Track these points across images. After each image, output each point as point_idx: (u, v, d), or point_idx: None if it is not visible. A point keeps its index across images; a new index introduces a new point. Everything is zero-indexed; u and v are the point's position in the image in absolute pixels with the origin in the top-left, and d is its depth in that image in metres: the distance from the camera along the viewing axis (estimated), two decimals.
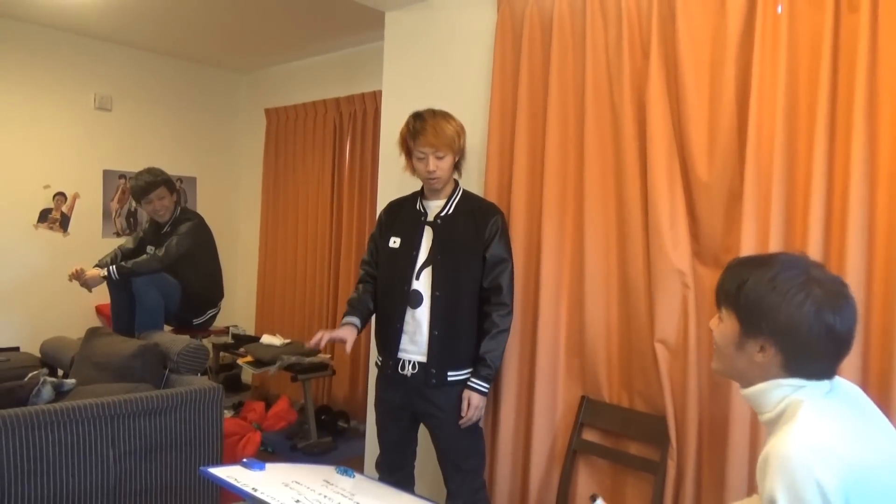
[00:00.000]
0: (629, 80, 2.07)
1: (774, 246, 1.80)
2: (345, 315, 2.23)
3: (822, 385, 1.17)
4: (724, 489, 1.83)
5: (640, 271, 2.05)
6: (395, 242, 2.19)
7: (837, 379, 1.21)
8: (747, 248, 1.83)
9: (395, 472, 2.22)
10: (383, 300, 2.21)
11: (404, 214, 2.22)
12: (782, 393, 1.17)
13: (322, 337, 2.09)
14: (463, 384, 2.08)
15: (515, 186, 2.33)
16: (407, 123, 2.14)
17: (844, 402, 1.17)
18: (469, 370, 2.10)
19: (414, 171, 2.15)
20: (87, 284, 3.17)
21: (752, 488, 1.79)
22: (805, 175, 1.76)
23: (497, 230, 2.12)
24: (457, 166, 2.18)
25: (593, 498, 1.36)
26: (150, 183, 3.36)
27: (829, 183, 1.73)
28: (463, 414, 2.05)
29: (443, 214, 2.14)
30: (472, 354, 2.10)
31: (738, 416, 1.82)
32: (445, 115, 2.13)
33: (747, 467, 1.81)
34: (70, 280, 3.20)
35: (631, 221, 2.07)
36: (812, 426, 1.08)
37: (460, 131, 2.13)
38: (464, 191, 2.21)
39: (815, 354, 1.15)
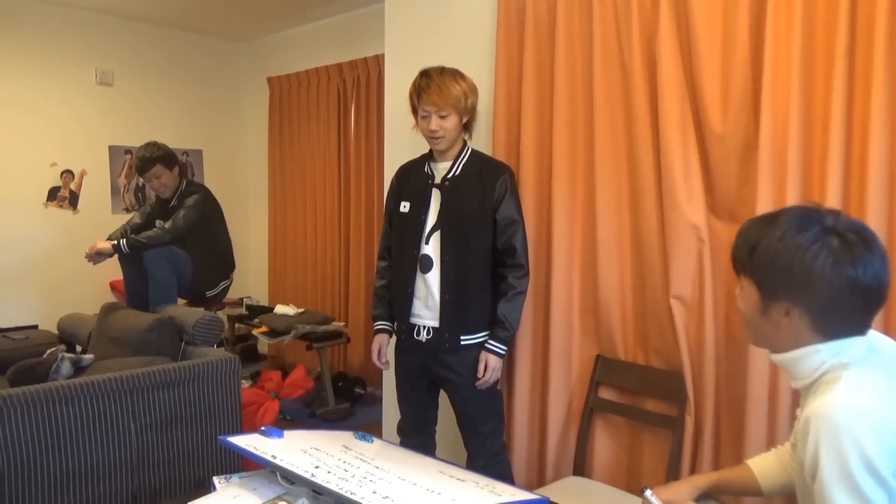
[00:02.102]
0: (638, 30, 2.01)
1: (791, 197, 1.76)
2: (374, 319, 2.33)
3: (859, 344, 1.13)
4: (743, 443, 1.83)
5: (654, 227, 2.02)
6: (405, 207, 2.16)
7: (874, 335, 1.17)
8: (763, 200, 1.79)
9: (417, 436, 2.23)
10: (395, 266, 2.20)
11: (413, 178, 2.19)
12: (820, 359, 1.13)
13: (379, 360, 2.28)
14: (478, 347, 2.07)
15: (524, 145, 2.28)
16: (414, 80, 2.09)
17: (888, 364, 1.13)
18: (483, 333, 2.09)
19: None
20: (99, 255, 3.18)
21: (770, 442, 1.78)
22: (823, 123, 1.71)
23: (506, 190, 2.07)
24: (466, 127, 2.12)
25: (644, 489, 1.35)
26: (145, 160, 3.35)
27: (847, 131, 1.68)
28: (479, 376, 2.05)
29: (449, 177, 2.10)
30: (486, 317, 2.09)
31: (755, 371, 1.80)
32: (455, 74, 2.06)
33: (766, 421, 1.80)
34: (88, 260, 3.23)
35: (643, 176, 2.03)
36: (857, 388, 1.06)
37: (468, 91, 2.06)
38: (472, 151, 2.15)
39: (842, 311, 1.10)
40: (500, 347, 2.06)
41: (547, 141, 2.25)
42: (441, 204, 2.09)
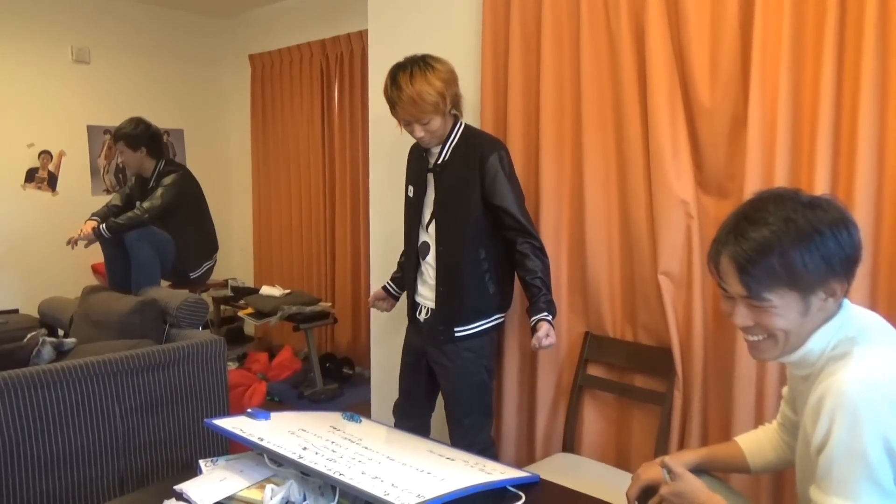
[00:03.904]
0: (626, 2, 1.97)
1: (780, 172, 1.75)
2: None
3: (858, 315, 1.15)
4: (731, 418, 1.83)
5: (642, 203, 2.00)
6: (410, 191, 2.14)
7: (857, 308, 1.17)
8: (752, 175, 1.78)
9: (412, 418, 2.21)
10: (405, 246, 2.20)
11: (416, 160, 2.15)
12: (828, 338, 1.13)
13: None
14: (471, 338, 2.04)
15: (511, 121, 2.25)
16: (385, 86, 1.96)
17: (889, 334, 1.14)
18: (480, 323, 2.04)
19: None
20: (84, 239, 3.14)
21: (758, 417, 1.79)
22: (812, 98, 1.69)
23: (496, 171, 1.96)
24: (454, 109, 2.02)
25: (663, 465, 1.34)
26: (114, 134, 3.35)
27: (837, 105, 1.66)
28: (538, 343, 1.96)
29: (440, 162, 2.04)
30: (485, 306, 2.04)
31: (744, 347, 1.79)
32: (426, 73, 1.90)
33: (753, 396, 1.81)
34: (68, 243, 3.18)
35: (631, 152, 2.01)
36: (870, 362, 1.06)
37: (445, 88, 1.91)
38: (464, 130, 2.04)
39: (855, 268, 1.12)
40: (547, 316, 1.96)
41: (534, 116, 2.22)
42: (435, 191, 2.05)
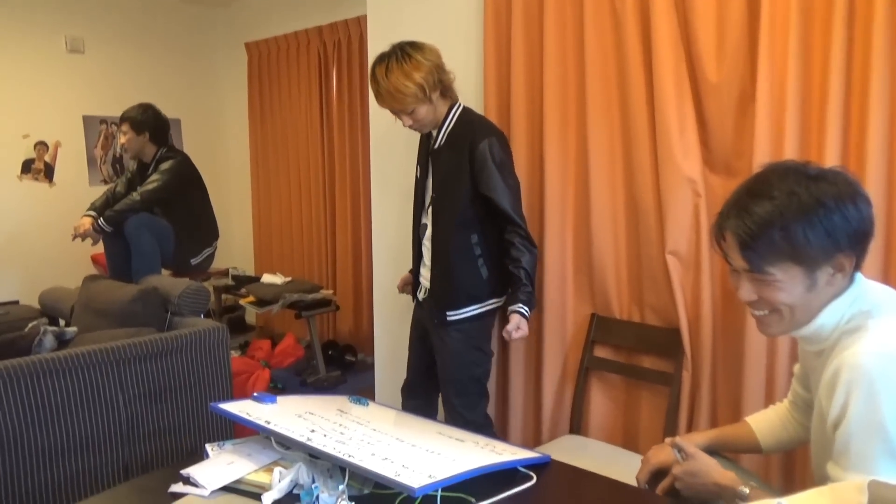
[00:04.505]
0: None
1: (789, 148, 1.72)
2: None
3: (872, 289, 1.13)
4: (741, 398, 1.82)
5: (648, 182, 1.98)
6: (417, 171, 2.14)
7: (870, 282, 1.15)
8: (760, 152, 1.75)
9: (418, 397, 2.24)
10: (413, 230, 2.20)
11: (424, 140, 2.14)
12: (841, 312, 1.11)
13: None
14: (463, 322, 2.03)
15: (514, 102, 2.22)
16: (369, 78, 1.98)
17: None
18: (472, 307, 2.03)
19: None
20: (88, 236, 3.12)
21: (768, 398, 1.78)
22: (822, 72, 1.66)
23: (485, 160, 1.93)
24: (444, 94, 1.99)
25: (673, 444, 1.33)
26: (123, 114, 3.30)
27: (847, 80, 1.63)
28: (506, 334, 1.97)
29: (436, 146, 2.04)
30: (477, 291, 2.03)
31: (753, 326, 1.76)
32: (402, 66, 1.88)
33: (763, 376, 1.79)
34: (74, 239, 3.18)
35: (637, 130, 1.98)
36: (887, 335, 1.03)
37: (425, 78, 1.89)
38: (460, 114, 2.02)
39: (868, 242, 1.09)
40: (525, 309, 1.96)
41: (538, 95, 2.18)
42: (432, 173, 2.05)
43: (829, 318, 1.11)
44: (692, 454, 1.28)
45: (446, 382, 2.10)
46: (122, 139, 3.31)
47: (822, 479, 1.13)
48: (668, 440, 1.36)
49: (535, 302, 2.01)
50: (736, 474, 1.24)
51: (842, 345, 1.08)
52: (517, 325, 1.95)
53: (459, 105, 2.05)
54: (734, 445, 1.44)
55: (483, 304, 2.05)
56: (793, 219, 1.05)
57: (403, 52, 1.92)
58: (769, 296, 1.11)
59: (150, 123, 3.33)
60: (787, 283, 1.09)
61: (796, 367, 1.39)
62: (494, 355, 2.31)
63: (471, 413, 2.08)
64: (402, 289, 2.39)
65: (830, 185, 1.06)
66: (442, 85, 1.97)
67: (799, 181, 1.07)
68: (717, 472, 1.23)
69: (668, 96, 1.89)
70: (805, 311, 1.12)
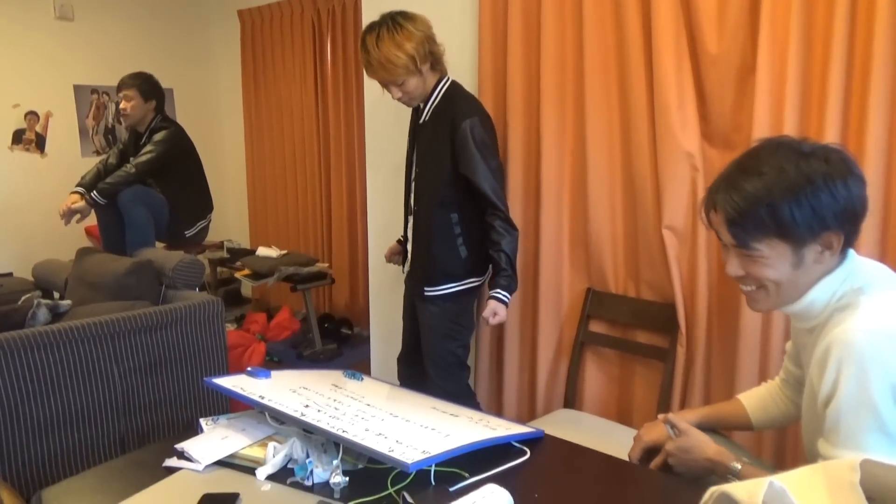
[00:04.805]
0: None
1: (789, 122, 1.70)
2: None
3: (863, 266, 1.12)
4: (735, 374, 1.82)
5: (646, 156, 1.96)
6: (408, 144, 2.12)
7: (862, 259, 1.14)
8: (760, 125, 1.73)
9: (411, 366, 2.25)
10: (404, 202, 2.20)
11: (413, 113, 2.12)
12: (832, 289, 1.10)
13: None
14: (440, 298, 2.04)
15: (511, 73, 2.18)
16: (360, 48, 1.94)
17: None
18: (449, 285, 2.04)
19: None
20: (73, 213, 3.07)
21: (762, 374, 1.78)
22: (824, 44, 1.63)
23: (466, 141, 1.90)
24: (434, 66, 1.97)
25: (666, 421, 1.33)
26: (128, 77, 3.24)
27: (849, 53, 1.60)
28: (486, 319, 1.97)
29: (421, 121, 2.02)
30: (456, 270, 2.03)
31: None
32: (394, 36, 1.86)
33: (758, 352, 1.79)
34: (66, 223, 3.11)
35: (635, 103, 1.95)
36: (878, 312, 1.03)
37: (416, 49, 1.87)
38: (447, 89, 2.00)
39: (860, 221, 1.08)
40: (503, 294, 1.96)
41: (534, 66, 2.15)
42: (417, 149, 2.04)
43: (819, 294, 1.11)
44: (685, 430, 1.28)
45: (425, 353, 2.14)
46: (125, 105, 3.23)
47: (813, 456, 1.14)
48: (660, 416, 1.36)
49: (516, 285, 2.00)
50: (728, 450, 1.24)
51: (833, 321, 1.08)
52: (493, 311, 1.95)
53: (448, 79, 2.02)
54: (726, 422, 1.45)
55: (460, 283, 2.05)
56: (780, 196, 1.04)
57: (395, 21, 1.89)
58: (756, 272, 1.11)
59: (156, 90, 3.32)
60: (774, 259, 1.08)
61: (788, 345, 1.39)
62: (486, 329, 2.32)
63: (448, 384, 2.10)
64: (388, 258, 2.40)
65: (821, 163, 1.05)
66: (433, 57, 1.94)
67: (789, 158, 1.06)
68: (709, 447, 1.24)
69: (668, 68, 1.85)
70: (792, 287, 1.11)
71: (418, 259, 2.08)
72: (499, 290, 1.96)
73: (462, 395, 2.12)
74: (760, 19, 1.70)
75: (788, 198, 1.04)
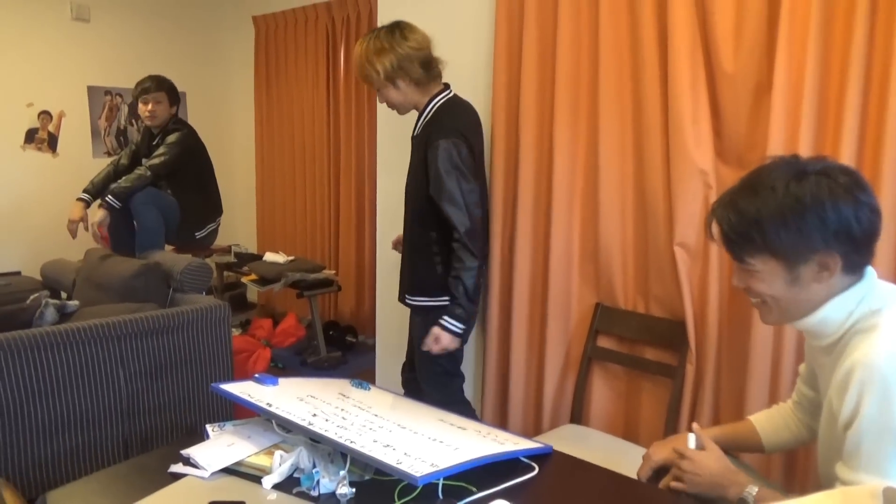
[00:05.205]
0: None
1: (804, 141, 1.69)
2: None
3: (879, 286, 1.10)
4: (745, 394, 1.80)
5: (659, 172, 1.95)
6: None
7: (878, 280, 1.13)
8: (775, 144, 1.72)
9: (412, 370, 2.24)
10: None
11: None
12: (848, 309, 1.09)
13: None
14: (422, 310, 2.06)
15: (525, 86, 2.18)
16: None
17: None
18: (425, 299, 2.05)
19: None
20: (100, 224, 3.09)
21: (773, 394, 1.76)
22: (842, 64, 1.62)
23: (433, 161, 1.90)
24: (419, 84, 1.98)
25: (692, 431, 1.32)
26: (158, 80, 3.28)
27: (867, 73, 1.59)
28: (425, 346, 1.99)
29: (413, 134, 2.06)
30: (430, 286, 2.04)
31: (760, 322, 1.75)
32: (375, 45, 1.92)
33: (769, 372, 1.77)
34: (74, 236, 3.14)
35: (649, 118, 1.94)
36: None
37: (390, 65, 1.91)
38: (442, 103, 2.01)
39: (870, 241, 1.07)
40: (449, 322, 1.94)
41: (549, 79, 2.15)
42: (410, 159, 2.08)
43: (833, 312, 1.10)
44: (708, 447, 1.27)
45: (417, 362, 2.15)
46: (154, 108, 3.25)
47: (828, 480, 1.12)
48: (694, 426, 1.33)
49: (469, 317, 1.97)
50: (744, 473, 1.23)
51: (853, 343, 1.06)
52: (435, 338, 1.95)
53: (446, 95, 2.04)
54: (737, 443, 1.43)
55: (432, 299, 2.04)
56: (767, 216, 1.06)
57: (383, 32, 1.96)
58: (753, 285, 1.13)
59: (178, 95, 3.37)
60: (767, 274, 1.10)
61: (802, 367, 1.37)
62: (494, 341, 2.31)
63: (437, 393, 2.09)
64: (394, 246, 2.41)
65: (814, 185, 1.04)
66: (416, 75, 1.95)
67: (783, 178, 1.07)
68: (722, 471, 1.22)
69: (683, 84, 1.85)
70: (793, 304, 1.12)
71: (404, 266, 2.12)
72: (445, 318, 1.94)
73: (453, 403, 2.08)
74: (778, 37, 1.69)
75: (776, 218, 1.06)
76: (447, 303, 2.00)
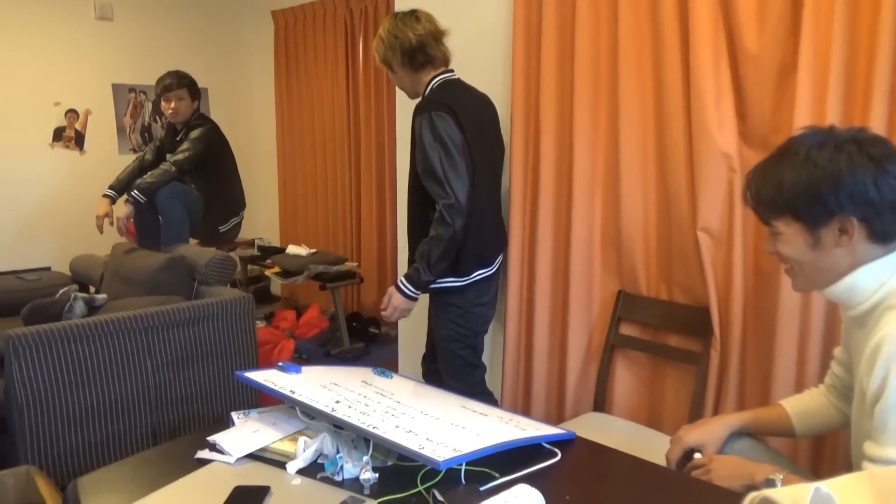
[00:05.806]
0: None
1: (831, 123, 1.65)
2: None
3: None
4: (770, 380, 1.78)
5: (681, 156, 1.92)
6: None
7: None
8: (800, 125, 1.67)
9: (432, 362, 2.25)
10: None
11: None
12: (879, 278, 1.08)
13: None
14: (433, 293, 2.09)
15: (544, 69, 2.17)
16: None
17: None
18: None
19: None
20: (125, 219, 3.15)
21: (799, 380, 1.74)
22: (869, 43, 1.58)
23: (414, 134, 1.97)
24: (416, 70, 2.03)
25: (693, 451, 1.33)
26: (180, 77, 3.32)
27: (895, 52, 1.56)
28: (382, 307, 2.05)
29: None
30: None
31: (786, 307, 1.73)
32: (383, 29, 2.02)
33: (795, 358, 1.75)
34: (101, 231, 3.22)
35: (671, 101, 1.91)
36: None
37: (386, 51, 2.02)
38: (435, 85, 2.04)
39: (883, 208, 1.06)
40: (404, 284, 1.99)
41: (568, 62, 2.13)
42: None
43: (862, 280, 1.09)
44: (711, 460, 1.27)
45: (437, 353, 2.18)
46: (177, 105, 3.31)
47: (859, 462, 1.10)
48: (697, 456, 1.34)
49: (423, 281, 1.98)
50: (764, 457, 1.21)
51: (885, 319, 1.04)
52: (388, 296, 2.01)
53: (441, 78, 2.05)
54: (768, 428, 1.42)
55: (435, 282, 2.04)
56: (788, 179, 1.11)
57: (388, 18, 2.03)
58: (779, 248, 1.17)
59: (199, 90, 3.41)
60: (790, 237, 1.14)
61: (837, 350, 1.35)
62: (514, 329, 2.31)
63: (458, 383, 2.10)
64: None
65: (834, 151, 1.07)
66: (414, 61, 2.01)
67: (808, 145, 1.10)
68: (748, 461, 1.21)
69: (706, 65, 1.82)
70: (816, 269, 1.13)
71: (410, 250, 2.12)
72: (401, 278, 2.01)
73: (475, 394, 2.09)
74: (803, 16, 1.66)
75: (794, 181, 1.09)
76: (454, 284, 2.04)
